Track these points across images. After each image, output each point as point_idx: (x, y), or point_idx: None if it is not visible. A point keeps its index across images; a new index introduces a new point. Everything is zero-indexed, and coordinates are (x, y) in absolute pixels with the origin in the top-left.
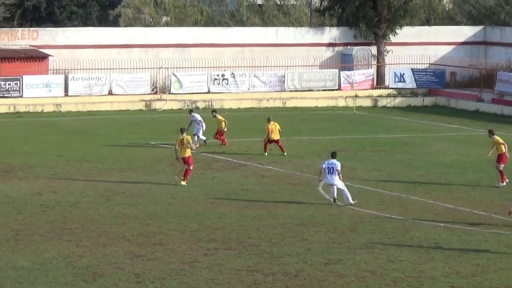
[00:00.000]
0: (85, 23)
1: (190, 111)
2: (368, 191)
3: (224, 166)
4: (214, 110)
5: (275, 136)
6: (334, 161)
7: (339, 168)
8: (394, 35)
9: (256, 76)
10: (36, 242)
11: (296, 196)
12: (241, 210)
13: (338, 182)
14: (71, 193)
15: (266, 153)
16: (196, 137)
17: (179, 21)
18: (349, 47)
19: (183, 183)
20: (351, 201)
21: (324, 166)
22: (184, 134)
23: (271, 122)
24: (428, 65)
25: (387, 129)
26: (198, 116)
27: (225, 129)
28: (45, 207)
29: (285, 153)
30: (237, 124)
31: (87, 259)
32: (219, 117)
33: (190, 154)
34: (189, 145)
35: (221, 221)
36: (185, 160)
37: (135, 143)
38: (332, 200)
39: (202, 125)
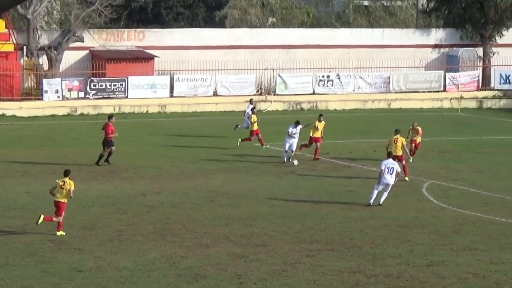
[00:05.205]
0: (191, 24)
1: (297, 122)
2: (472, 193)
3: (328, 167)
4: (321, 115)
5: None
6: (392, 161)
7: (399, 169)
8: (500, 37)
9: (361, 77)
10: (139, 242)
11: (399, 197)
12: (344, 211)
13: (392, 182)
14: (175, 194)
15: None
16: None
17: (285, 22)
18: (455, 48)
19: (406, 178)
20: (381, 201)
21: (383, 167)
22: (398, 135)
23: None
24: None
25: (492, 131)
26: (298, 129)
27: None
28: (148, 207)
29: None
30: (341, 126)
31: (190, 260)
32: (322, 122)
33: (402, 153)
34: (402, 146)
35: (324, 222)
36: (398, 158)
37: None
38: (370, 203)
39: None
